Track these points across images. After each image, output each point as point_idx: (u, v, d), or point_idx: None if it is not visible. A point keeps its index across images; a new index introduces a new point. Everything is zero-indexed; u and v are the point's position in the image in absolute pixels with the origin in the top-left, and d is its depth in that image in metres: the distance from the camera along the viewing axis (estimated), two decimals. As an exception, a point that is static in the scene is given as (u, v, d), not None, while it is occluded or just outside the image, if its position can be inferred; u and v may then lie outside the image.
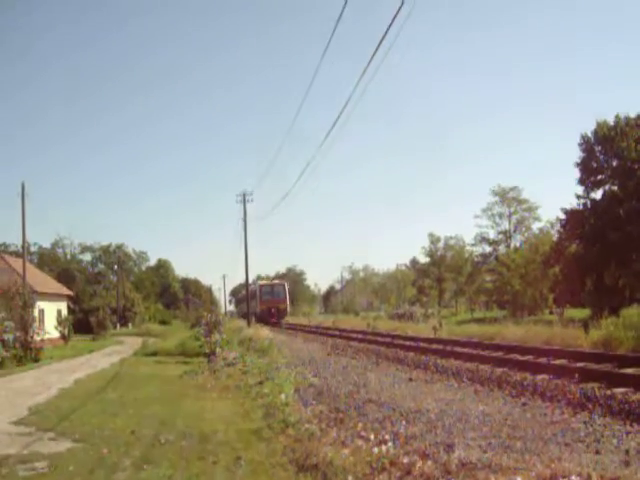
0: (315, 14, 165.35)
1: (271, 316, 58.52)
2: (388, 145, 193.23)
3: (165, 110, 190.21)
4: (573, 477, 6.30)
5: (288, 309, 43.78)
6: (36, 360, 30.30)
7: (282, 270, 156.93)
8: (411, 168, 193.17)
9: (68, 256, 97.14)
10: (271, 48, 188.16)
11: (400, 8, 12.42)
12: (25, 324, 31.75)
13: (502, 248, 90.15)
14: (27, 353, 30.27)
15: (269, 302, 59.94)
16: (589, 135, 54.61)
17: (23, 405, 15.41)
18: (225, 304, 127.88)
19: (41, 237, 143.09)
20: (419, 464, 7.14)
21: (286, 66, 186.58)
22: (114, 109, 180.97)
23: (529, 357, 16.95)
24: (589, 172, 54.56)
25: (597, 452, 7.70)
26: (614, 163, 53.53)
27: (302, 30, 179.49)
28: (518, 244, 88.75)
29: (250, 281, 62.43)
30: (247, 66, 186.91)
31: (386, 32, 13.51)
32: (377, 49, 14.44)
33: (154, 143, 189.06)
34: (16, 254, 62.70)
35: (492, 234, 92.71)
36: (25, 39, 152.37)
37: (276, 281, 72.17)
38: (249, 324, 54.71)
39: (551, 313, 64.22)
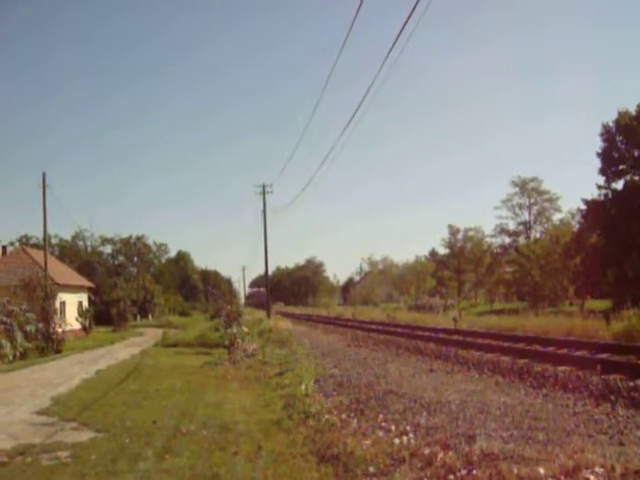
0: None
1: (259, 306, 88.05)
2: (406, 137, 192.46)
3: (199, 109, 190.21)
4: (597, 468, 6.23)
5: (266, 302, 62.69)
6: (58, 351, 30.59)
7: (301, 262, 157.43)
8: (430, 160, 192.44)
9: (89, 248, 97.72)
10: (293, 29, 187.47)
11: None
12: (47, 315, 32.04)
13: (522, 239, 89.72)
14: (49, 344, 30.55)
15: (259, 299, 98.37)
16: (610, 125, 54.05)
17: (46, 395, 15.57)
18: (245, 296, 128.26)
19: (62, 229, 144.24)
20: (440, 455, 7.11)
21: (309, 54, 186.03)
22: (137, 116, 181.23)
23: (550, 348, 16.83)
24: (610, 162, 53.97)
25: (621, 444, 7.63)
26: (636, 153, 52.93)
27: (324, 10, 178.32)
28: (538, 235, 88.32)
29: (270, 273, 63.63)
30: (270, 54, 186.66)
31: (407, 20, 13.40)
32: (399, 34, 14.34)
33: (176, 141, 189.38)
34: (37, 246, 63.18)
35: (512, 225, 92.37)
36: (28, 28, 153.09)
37: (262, 289, 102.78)
38: (269, 315, 54.86)
39: (571, 304, 63.82)
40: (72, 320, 43.73)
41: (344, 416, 9.92)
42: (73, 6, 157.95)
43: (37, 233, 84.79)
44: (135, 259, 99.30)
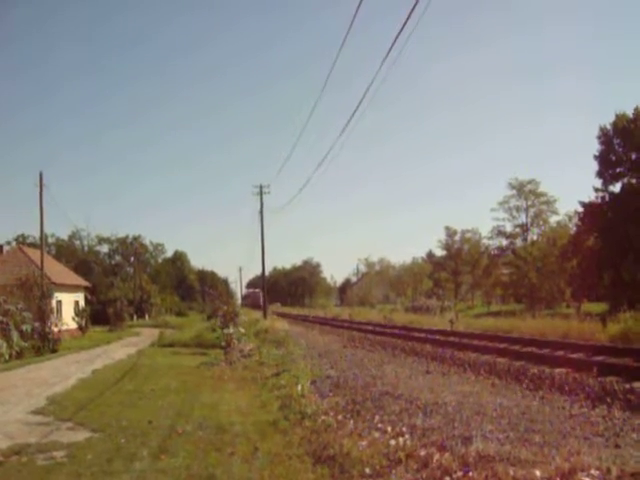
0: None
1: (254, 306, 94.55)
2: (405, 138, 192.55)
3: (198, 110, 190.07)
4: (593, 471, 6.23)
5: (262, 303, 66.01)
6: (54, 350, 30.55)
7: (298, 262, 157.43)
8: (428, 161, 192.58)
9: (85, 248, 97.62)
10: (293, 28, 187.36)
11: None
12: (43, 315, 32.04)
13: (519, 241, 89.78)
14: (45, 344, 30.52)
15: (254, 300, 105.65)
16: (608, 127, 54.09)
17: (41, 395, 15.56)
18: (241, 296, 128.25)
19: (59, 229, 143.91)
20: (437, 456, 7.10)
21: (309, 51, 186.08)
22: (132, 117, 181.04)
23: (546, 350, 16.84)
24: (608, 165, 53.98)
25: (617, 446, 7.64)
26: (633, 156, 52.97)
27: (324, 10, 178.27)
28: (535, 237, 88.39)
29: (267, 273, 63.62)
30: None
31: (406, 20, 13.43)
32: (399, 34, 14.36)
33: (174, 142, 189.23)
34: (34, 245, 63.06)
35: (509, 227, 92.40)
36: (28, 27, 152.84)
37: (257, 290, 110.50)
38: (265, 316, 54.82)
39: (568, 307, 63.86)
40: (68, 319, 43.70)
41: (340, 417, 9.91)
42: (73, 6, 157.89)
43: (34, 232, 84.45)
44: (132, 259, 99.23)
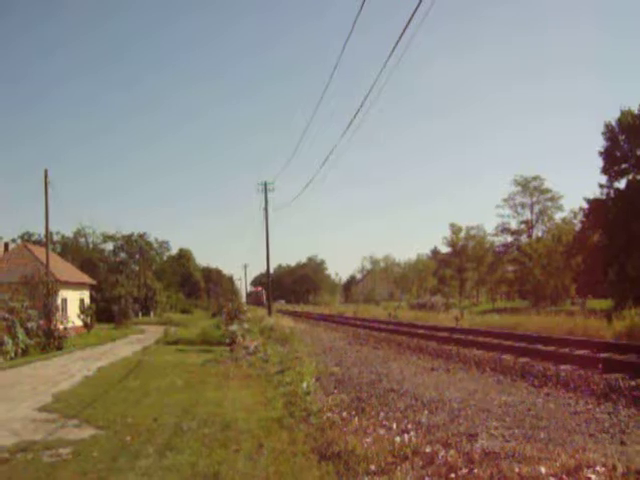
0: None
1: (258, 304, 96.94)
2: (410, 135, 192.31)
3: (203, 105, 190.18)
4: (598, 468, 6.22)
5: (265, 301, 70.95)
6: (59, 348, 30.57)
7: (303, 259, 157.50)
8: (433, 158, 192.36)
9: (90, 245, 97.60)
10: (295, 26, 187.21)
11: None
12: (48, 312, 32.05)
13: (524, 238, 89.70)
14: (51, 341, 30.53)
15: (256, 298, 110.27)
16: (613, 124, 53.94)
17: (47, 392, 15.59)
18: (246, 294, 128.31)
19: (64, 226, 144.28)
20: (442, 453, 7.10)
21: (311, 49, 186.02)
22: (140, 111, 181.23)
23: (552, 347, 16.79)
24: (613, 161, 53.89)
25: (622, 443, 7.62)
26: (638, 152, 52.83)
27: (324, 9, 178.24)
28: (540, 234, 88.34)
29: (271, 270, 63.86)
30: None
31: (410, 18, 13.40)
32: (403, 32, 14.34)
33: (178, 139, 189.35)
34: (39, 243, 63.15)
35: (514, 224, 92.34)
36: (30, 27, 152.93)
37: (259, 288, 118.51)
38: (270, 313, 54.81)
39: (573, 303, 63.76)
40: (74, 317, 43.68)
41: (345, 414, 9.91)
42: (74, 6, 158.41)
43: (39, 230, 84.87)
44: (137, 256, 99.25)
